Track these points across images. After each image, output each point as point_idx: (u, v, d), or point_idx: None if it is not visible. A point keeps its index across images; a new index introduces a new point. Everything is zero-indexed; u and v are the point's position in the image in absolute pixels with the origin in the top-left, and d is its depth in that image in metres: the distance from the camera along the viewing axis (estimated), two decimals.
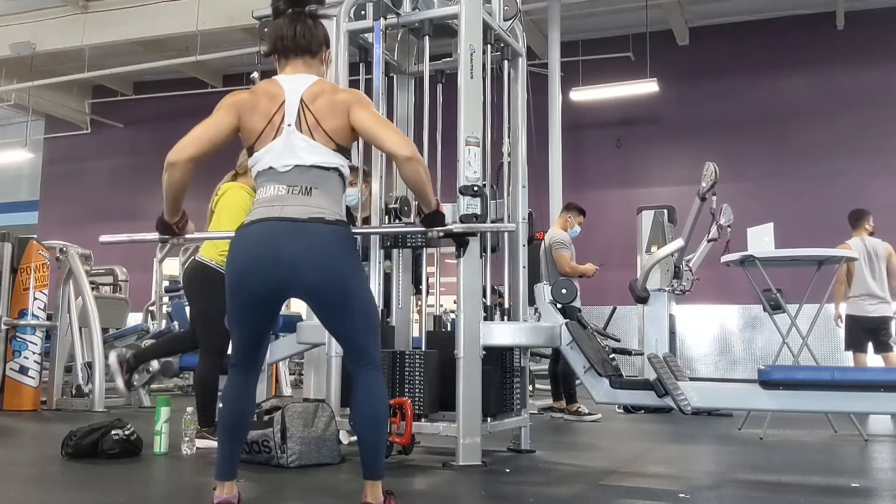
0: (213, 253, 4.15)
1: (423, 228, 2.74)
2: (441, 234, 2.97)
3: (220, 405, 2.53)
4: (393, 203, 3.98)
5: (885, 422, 5.53)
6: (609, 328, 6.72)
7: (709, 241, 6.01)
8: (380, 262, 3.96)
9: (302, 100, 2.48)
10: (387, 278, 4.06)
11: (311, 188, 2.45)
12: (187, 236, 2.77)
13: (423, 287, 4.41)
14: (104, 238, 2.87)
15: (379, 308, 3.80)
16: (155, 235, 2.73)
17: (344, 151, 2.53)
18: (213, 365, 4.07)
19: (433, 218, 2.66)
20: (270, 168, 2.47)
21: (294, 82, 2.53)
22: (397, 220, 3.93)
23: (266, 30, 4.35)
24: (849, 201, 10.30)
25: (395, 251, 4.12)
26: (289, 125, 2.46)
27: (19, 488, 3.21)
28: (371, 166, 4.05)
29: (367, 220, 4.09)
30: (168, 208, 2.67)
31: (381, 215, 3.98)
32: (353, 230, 2.64)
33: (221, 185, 4.42)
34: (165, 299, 10.00)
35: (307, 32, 2.59)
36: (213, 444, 3.88)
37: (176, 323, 8.29)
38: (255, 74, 5.07)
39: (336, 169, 2.50)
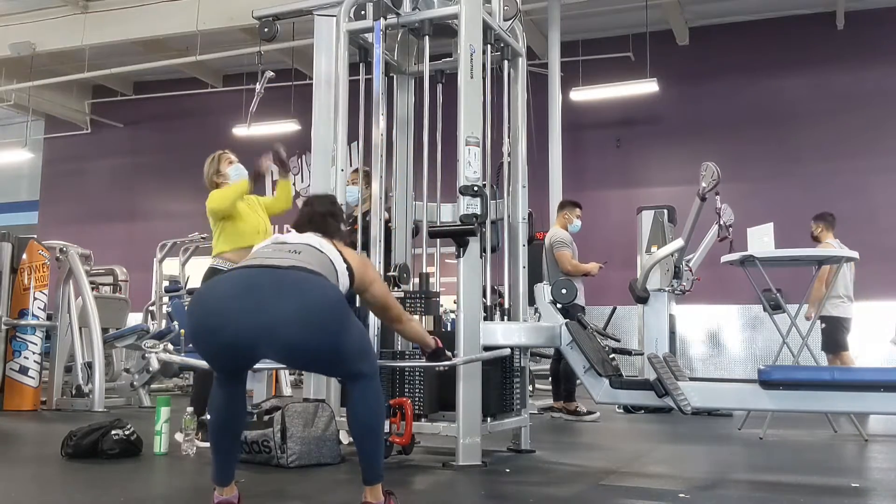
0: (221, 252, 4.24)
1: (429, 364, 3.26)
2: (446, 367, 3.53)
3: (208, 416, 2.52)
4: (392, 270, 3.98)
5: (885, 422, 5.53)
6: (609, 328, 6.70)
7: (720, 239, 6.00)
8: (380, 263, 3.96)
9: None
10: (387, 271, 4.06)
11: (299, 252, 2.56)
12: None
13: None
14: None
15: None
16: None
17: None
18: None
19: (436, 354, 3.10)
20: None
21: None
22: (396, 288, 3.92)
23: (266, 30, 4.39)
24: (849, 201, 10.33)
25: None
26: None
27: (19, 488, 3.21)
28: (371, 167, 4.05)
29: (366, 214, 4.10)
30: None
31: (380, 214, 3.98)
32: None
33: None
34: (165, 299, 10.00)
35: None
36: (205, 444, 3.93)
37: (176, 323, 8.29)
38: (271, 73, 5.05)
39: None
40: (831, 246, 6.54)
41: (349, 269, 2.62)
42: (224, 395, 2.50)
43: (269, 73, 4.83)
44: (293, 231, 2.79)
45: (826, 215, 6.93)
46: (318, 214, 2.82)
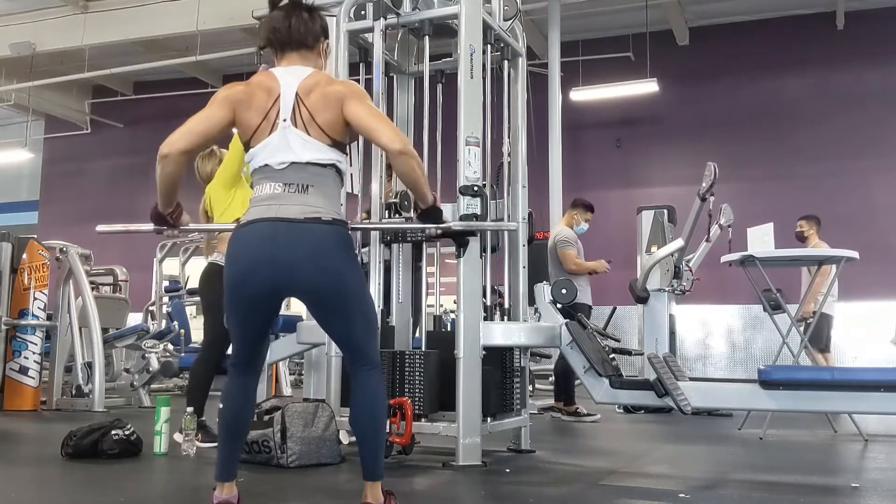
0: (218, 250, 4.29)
1: (420, 225, 2.76)
2: (439, 231, 3.04)
3: (220, 406, 2.52)
4: (393, 197, 3.98)
5: (885, 422, 5.53)
6: (609, 328, 6.70)
7: (707, 241, 6.00)
8: (380, 263, 3.96)
9: (297, 94, 2.45)
10: (387, 273, 4.06)
11: (307, 186, 2.43)
12: (182, 228, 2.74)
13: (423, 286, 4.42)
14: (100, 228, 2.87)
15: (378, 308, 3.82)
16: (150, 226, 2.69)
17: (340, 146, 2.50)
18: (210, 358, 4.17)
19: (430, 213, 2.62)
20: (266, 165, 2.45)
21: (290, 75, 2.50)
22: (397, 215, 3.93)
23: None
24: (849, 201, 10.34)
25: (395, 247, 4.10)
26: (284, 120, 2.44)
27: (19, 488, 3.21)
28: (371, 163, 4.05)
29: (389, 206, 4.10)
30: (162, 200, 2.62)
31: (381, 212, 3.98)
32: (351, 226, 2.64)
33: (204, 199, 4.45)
34: (165, 299, 10.01)
35: (302, 25, 2.55)
36: (205, 445, 3.94)
37: (176, 323, 8.30)
38: (265, 67, 5.02)
39: (333, 165, 2.48)
40: (824, 245, 6.57)
41: (337, 143, 2.48)
42: (238, 386, 2.51)
43: (264, 67, 4.79)
44: (283, 78, 2.48)
45: (814, 216, 6.95)
46: (297, 35, 2.54)
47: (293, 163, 2.43)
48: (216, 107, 2.52)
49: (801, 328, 5.61)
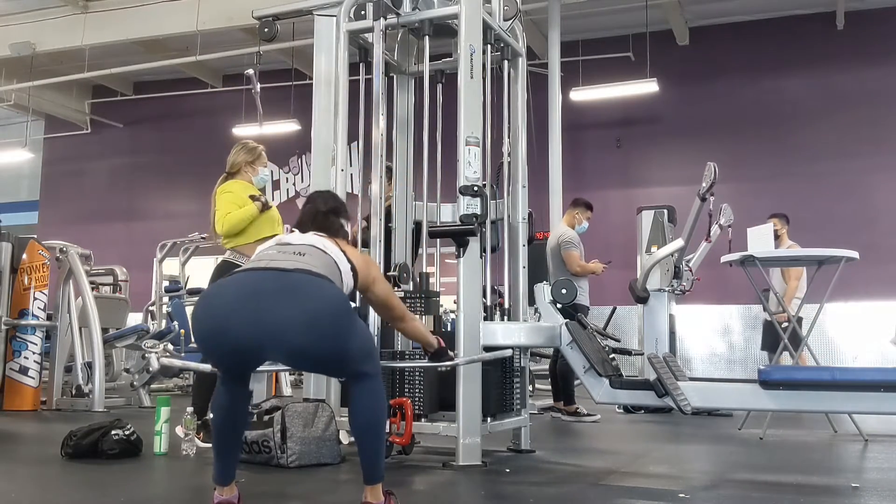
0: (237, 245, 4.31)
1: (433, 364, 3.22)
2: (448, 367, 3.53)
3: (211, 415, 2.52)
4: (393, 270, 3.98)
5: (885, 422, 5.53)
6: (609, 328, 6.71)
7: (707, 241, 6.00)
8: (381, 262, 3.95)
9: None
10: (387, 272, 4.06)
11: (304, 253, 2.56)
12: None
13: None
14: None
15: None
16: None
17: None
18: None
19: (438, 354, 3.09)
20: None
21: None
22: (396, 288, 3.91)
23: (266, 30, 4.38)
24: (849, 201, 10.34)
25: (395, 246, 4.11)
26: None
27: (19, 488, 3.21)
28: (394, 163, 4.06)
29: (388, 209, 4.10)
30: None
31: (381, 214, 3.98)
32: None
33: (217, 188, 4.44)
34: (165, 299, 10.00)
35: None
36: (206, 445, 3.93)
37: (176, 323, 8.29)
38: (250, 71, 5.03)
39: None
40: (795, 246, 6.56)
41: (353, 268, 2.63)
42: (228, 395, 2.50)
43: (249, 71, 4.78)
44: (296, 231, 2.79)
45: (783, 214, 6.92)
46: (321, 213, 2.84)
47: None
48: None
49: (808, 329, 5.59)
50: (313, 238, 2.68)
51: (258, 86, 5.23)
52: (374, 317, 3.78)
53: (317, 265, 2.49)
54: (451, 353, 3.20)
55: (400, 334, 4.13)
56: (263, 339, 2.31)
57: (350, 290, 2.64)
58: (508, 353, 3.76)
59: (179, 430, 4.01)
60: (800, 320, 6.41)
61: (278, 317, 2.30)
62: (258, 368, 2.59)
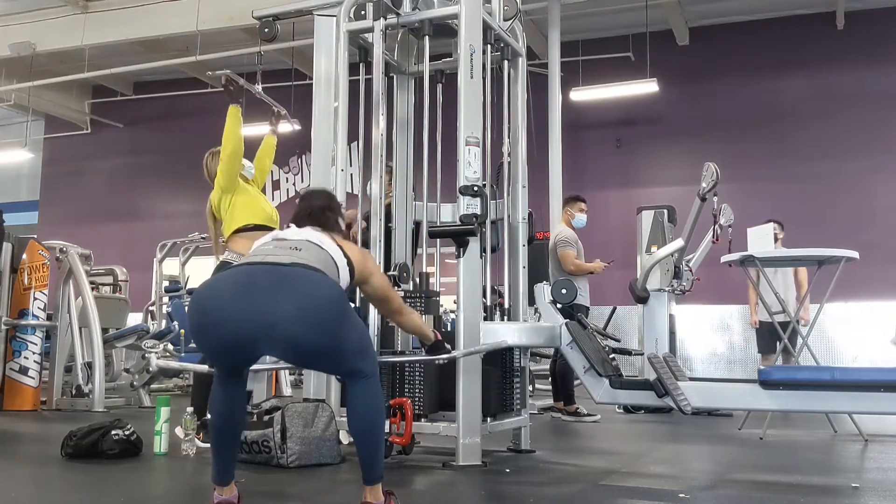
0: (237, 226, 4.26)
1: (430, 358, 3.29)
2: (445, 360, 3.52)
3: (209, 416, 2.52)
4: (392, 270, 3.98)
5: (885, 422, 5.53)
6: (609, 328, 6.71)
7: (714, 242, 5.99)
8: (380, 263, 3.95)
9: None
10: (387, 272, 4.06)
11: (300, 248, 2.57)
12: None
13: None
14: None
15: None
16: None
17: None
18: None
19: (436, 347, 3.14)
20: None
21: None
22: (396, 287, 3.90)
23: (266, 30, 4.38)
24: (849, 201, 10.34)
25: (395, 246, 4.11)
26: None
27: (19, 488, 3.21)
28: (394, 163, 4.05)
29: (388, 207, 4.10)
30: None
31: (381, 214, 3.98)
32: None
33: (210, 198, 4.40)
34: (165, 299, 10.01)
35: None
36: (206, 444, 3.93)
37: (176, 323, 8.29)
38: (226, 72, 4.95)
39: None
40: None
41: (349, 263, 2.64)
42: (224, 395, 2.50)
43: (226, 72, 4.69)
44: (292, 226, 2.80)
45: (776, 220, 6.90)
46: (317, 209, 2.85)
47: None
48: None
49: (808, 329, 5.60)
50: (309, 233, 2.69)
51: (259, 86, 5.22)
52: (373, 316, 3.78)
53: (312, 259, 2.50)
54: (448, 346, 3.22)
55: (400, 333, 4.15)
56: (257, 331, 2.31)
57: (347, 284, 2.64)
58: (507, 342, 3.76)
59: (179, 431, 4.01)
60: (799, 322, 6.41)
61: (272, 310, 2.31)
62: (255, 367, 2.60)
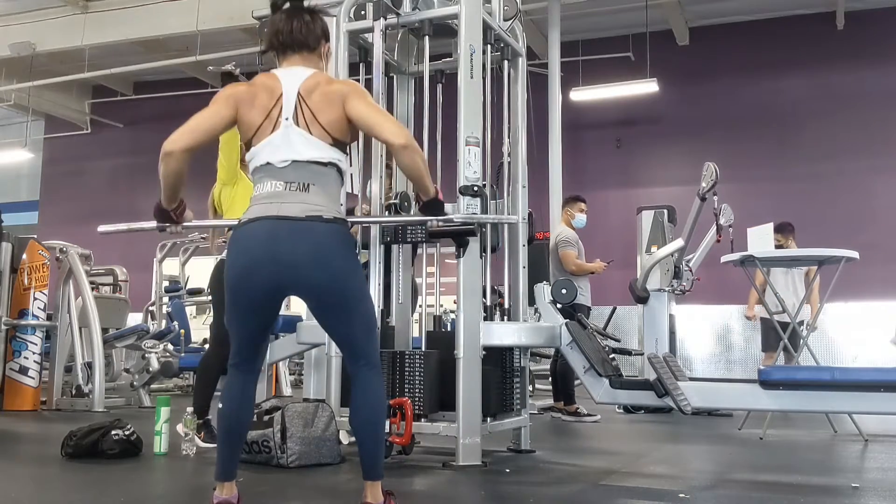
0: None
1: (422, 218, 2.81)
2: (440, 223, 3.11)
3: (220, 406, 2.52)
4: (393, 198, 3.98)
5: (885, 422, 5.53)
6: (609, 328, 6.71)
7: (718, 241, 5.99)
8: (380, 263, 3.95)
9: (299, 93, 2.47)
10: (386, 273, 4.05)
11: (308, 185, 2.44)
12: (185, 224, 2.73)
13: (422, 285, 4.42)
14: (102, 228, 2.84)
15: (378, 308, 3.82)
16: (153, 223, 2.70)
17: (341, 145, 2.51)
18: (217, 354, 4.12)
19: (432, 205, 2.60)
20: (268, 164, 2.47)
21: (291, 76, 2.53)
22: (397, 216, 3.93)
23: (266, 30, 4.37)
24: (849, 201, 10.34)
25: (394, 248, 4.10)
26: (286, 119, 2.46)
27: (19, 488, 3.21)
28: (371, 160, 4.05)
29: (388, 207, 4.10)
30: (165, 196, 2.67)
31: (380, 212, 3.98)
32: (351, 220, 2.65)
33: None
34: (165, 299, 10.01)
35: (304, 27, 2.59)
36: (207, 445, 3.93)
37: (176, 323, 8.30)
38: (229, 67, 4.96)
39: (334, 164, 2.49)
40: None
41: (341, 143, 2.50)
42: (237, 386, 2.50)
43: (231, 64, 4.69)
44: (284, 76, 2.52)
45: (787, 225, 6.90)
46: (297, 30, 2.58)
47: (295, 161, 2.45)
48: (219, 105, 2.56)
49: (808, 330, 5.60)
50: (302, 71, 2.51)
51: None
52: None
53: (322, 202, 2.43)
54: (446, 210, 2.74)
55: (400, 334, 4.15)
56: (282, 275, 2.37)
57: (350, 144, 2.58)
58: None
59: (180, 427, 4.01)
60: (800, 322, 6.42)
61: (291, 255, 2.36)
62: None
